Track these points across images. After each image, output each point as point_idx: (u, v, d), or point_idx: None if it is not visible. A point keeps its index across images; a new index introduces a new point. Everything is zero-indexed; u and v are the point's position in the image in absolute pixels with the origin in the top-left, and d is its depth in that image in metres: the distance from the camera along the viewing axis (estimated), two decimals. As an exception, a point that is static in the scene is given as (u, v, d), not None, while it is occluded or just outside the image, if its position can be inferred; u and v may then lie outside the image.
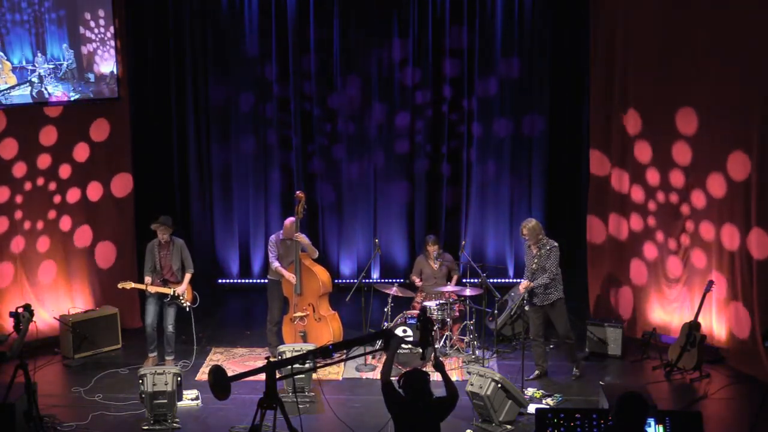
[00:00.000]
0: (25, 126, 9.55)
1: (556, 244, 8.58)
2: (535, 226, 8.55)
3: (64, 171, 9.84)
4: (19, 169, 9.56)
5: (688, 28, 8.94)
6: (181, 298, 8.95)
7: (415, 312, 9.14)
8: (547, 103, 11.24)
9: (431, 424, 5.56)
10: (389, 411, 5.58)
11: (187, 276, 9.02)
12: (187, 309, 9.03)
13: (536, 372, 8.79)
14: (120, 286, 9.01)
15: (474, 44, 11.13)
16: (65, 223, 9.91)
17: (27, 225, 9.66)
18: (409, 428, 5.53)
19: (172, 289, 8.91)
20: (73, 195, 9.94)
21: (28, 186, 9.62)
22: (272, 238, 9.40)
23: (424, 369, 6.40)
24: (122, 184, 10.23)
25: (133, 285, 8.98)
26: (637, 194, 9.64)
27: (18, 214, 9.58)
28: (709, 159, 8.97)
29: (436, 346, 8.96)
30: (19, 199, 9.58)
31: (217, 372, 4.77)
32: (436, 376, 5.98)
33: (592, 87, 10.00)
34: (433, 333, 5.57)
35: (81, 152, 9.94)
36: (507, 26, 11.07)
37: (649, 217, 9.61)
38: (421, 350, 8.31)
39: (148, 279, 8.90)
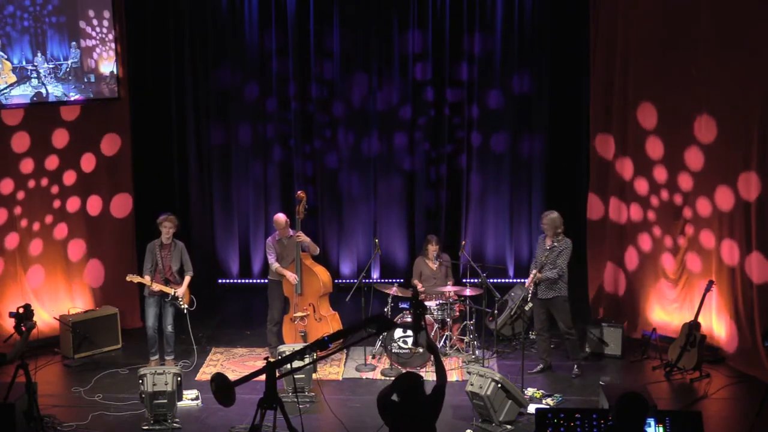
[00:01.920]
0: (38, 124, 9.61)
1: (570, 244, 8.61)
2: (555, 219, 8.59)
3: (69, 177, 9.90)
4: (26, 165, 9.60)
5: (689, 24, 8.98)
6: (180, 299, 8.95)
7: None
8: (547, 98, 11.25)
9: (426, 424, 5.53)
10: (386, 423, 5.56)
11: (187, 278, 9.02)
12: (185, 311, 9.03)
13: (540, 366, 8.82)
14: (128, 278, 9.00)
15: (474, 44, 11.14)
16: (61, 230, 9.92)
17: (24, 223, 9.67)
18: (404, 430, 5.51)
19: (173, 289, 8.91)
20: (72, 203, 9.99)
21: (31, 184, 9.65)
22: (269, 240, 9.40)
23: (419, 372, 6.39)
24: (122, 184, 10.23)
25: (140, 279, 8.97)
26: (641, 187, 9.63)
27: (18, 210, 9.61)
28: (720, 171, 8.92)
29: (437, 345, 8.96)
30: (21, 195, 9.60)
31: (219, 379, 4.76)
32: (431, 376, 5.96)
33: (593, 84, 10.01)
34: (425, 317, 5.54)
35: (87, 162, 9.98)
36: (506, 25, 11.08)
37: (649, 211, 9.60)
38: (420, 350, 8.33)
39: (147, 278, 8.90)
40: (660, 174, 9.45)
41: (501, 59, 11.14)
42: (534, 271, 8.60)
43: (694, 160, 9.11)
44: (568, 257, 8.59)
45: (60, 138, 9.81)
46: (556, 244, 8.59)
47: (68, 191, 9.91)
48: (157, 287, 8.86)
